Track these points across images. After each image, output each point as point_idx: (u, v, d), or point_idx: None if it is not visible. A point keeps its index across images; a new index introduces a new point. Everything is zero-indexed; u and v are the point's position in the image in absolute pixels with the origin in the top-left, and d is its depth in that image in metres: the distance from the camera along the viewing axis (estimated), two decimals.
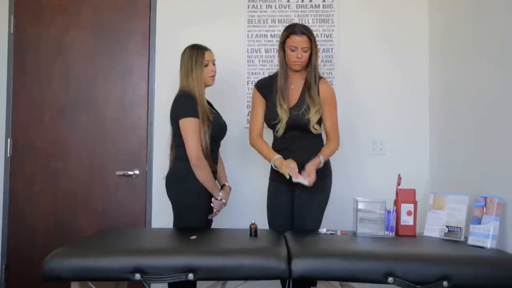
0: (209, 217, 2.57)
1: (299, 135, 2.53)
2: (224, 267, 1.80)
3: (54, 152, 3.15)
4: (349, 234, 2.33)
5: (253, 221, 2.24)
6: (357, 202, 2.30)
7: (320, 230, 2.34)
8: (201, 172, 2.45)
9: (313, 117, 2.49)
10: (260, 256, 1.84)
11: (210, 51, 2.60)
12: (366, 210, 2.28)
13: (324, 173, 2.51)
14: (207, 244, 2.02)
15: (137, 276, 1.79)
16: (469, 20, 2.53)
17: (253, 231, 2.20)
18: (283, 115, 2.51)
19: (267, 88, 2.61)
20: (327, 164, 2.56)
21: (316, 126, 2.51)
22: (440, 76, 2.93)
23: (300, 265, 1.81)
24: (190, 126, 2.43)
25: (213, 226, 2.68)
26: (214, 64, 2.59)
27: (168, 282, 1.82)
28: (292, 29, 2.51)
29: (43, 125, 3.16)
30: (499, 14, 2.21)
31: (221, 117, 2.63)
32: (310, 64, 2.53)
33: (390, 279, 1.77)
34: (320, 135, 2.60)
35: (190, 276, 1.80)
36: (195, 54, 2.54)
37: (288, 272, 1.80)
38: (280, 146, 2.58)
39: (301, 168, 2.42)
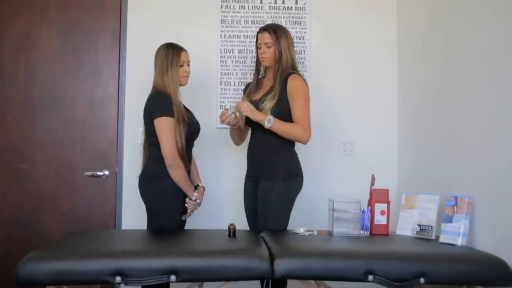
0: (183, 218, 2.55)
1: (261, 130, 2.51)
2: (207, 268, 1.79)
3: (18, 153, 3.03)
4: (325, 233, 2.37)
5: (231, 222, 2.24)
6: (333, 202, 2.34)
7: (297, 230, 2.36)
8: (176, 172, 2.42)
9: (266, 105, 2.50)
10: (243, 256, 1.84)
11: (186, 51, 2.59)
12: (341, 210, 2.32)
13: (286, 174, 2.51)
14: (187, 245, 2.00)
15: (118, 278, 1.75)
16: (435, 23, 2.62)
17: (232, 232, 2.20)
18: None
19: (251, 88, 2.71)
20: (290, 166, 2.54)
21: (267, 114, 2.48)
22: (408, 77, 3.02)
23: (282, 265, 1.82)
24: (165, 126, 2.41)
25: (187, 226, 2.65)
26: (188, 65, 2.58)
27: (150, 284, 1.79)
28: (260, 28, 2.63)
29: (6, 125, 3.04)
30: (467, 17, 2.30)
31: (194, 117, 2.62)
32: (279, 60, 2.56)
33: (370, 277, 1.81)
34: None
35: (172, 277, 1.77)
36: (171, 53, 2.52)
37: (271, 272, 1.81)
38: (249, 143, 2.65)
39: (259, 165, 2.51)
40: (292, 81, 2.52)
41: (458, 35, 2.39)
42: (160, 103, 2.45)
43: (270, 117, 2.44)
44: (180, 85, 2.56)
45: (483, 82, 2.15)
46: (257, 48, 2.63)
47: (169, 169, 2.42)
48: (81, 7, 3.09)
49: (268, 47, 2.54)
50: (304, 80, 2.58)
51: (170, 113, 2.42)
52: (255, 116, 2.45)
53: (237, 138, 2.74)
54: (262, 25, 2.68)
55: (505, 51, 1.99)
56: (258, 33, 2.62)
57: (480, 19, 2.19)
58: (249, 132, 2.71)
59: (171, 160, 2.40)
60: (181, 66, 2.52)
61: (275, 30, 2.57)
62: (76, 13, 3.09)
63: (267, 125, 2.43)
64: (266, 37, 2.55)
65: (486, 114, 2.12)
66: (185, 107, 2.62)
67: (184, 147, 2.45)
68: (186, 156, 2.47)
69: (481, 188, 2.14)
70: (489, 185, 2.08)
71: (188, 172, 2.54)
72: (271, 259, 1.85)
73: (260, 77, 2.71)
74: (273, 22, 3.10)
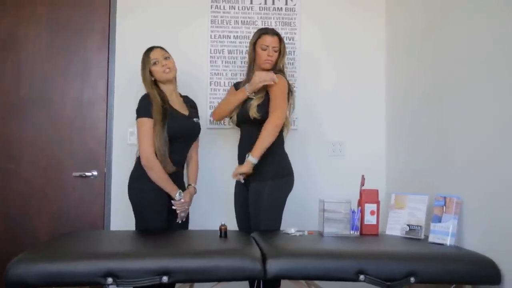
0: (178, 221, 2.54)
1: (249, 129, 2.57)
2: (199, 268, 1.79)
3: (5, 153, 2.99)
4: (316, 233, 2.38)
5: (222, 222, 2.24)
6: (323, 203, 2.35)
7: (288, 230, 2.37)
8: (151, 173, 2.45)
9: (254, 102, 2.54)
10: (235, 257, 1.84)
11: (160, 48, 2.61)
12: (332, 210, 2.34)
13: (276, 174, 2.52)
14: (179, 246, 2.00)
15: (109, 280, 1.74)
16: (424, 25, 2.66)
17: (223, 232, 2.20)
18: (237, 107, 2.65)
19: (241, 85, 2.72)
20: (280, 165, 2.56)
21: (254, 112, 2.52)
22: (397, 78, 3.05)
23: (274, 265, 1.83)
24: (141, 127, 2.47)
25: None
26: (166, 58, 2.58)
27: (141, 285, 1.78)
28: (265, 30, 2.67)
29: None
30: (456, 19, 2.34)
31: (188, 118, 2.61)
32: (275, 64, 2.65)
33: (362, 277, 1.83)
34: None
35: (165, 278, 1.77)
36: (143, 57, 2.61)
37: (263, 272, 1.82)
38: (239, 144, 2.67)
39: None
40: None
41: (446, 37, 2.42)
42: (140, 105, 2.52)
43: (249, 158, 2.46)
44: (165, 79, 2.57)
45: (472, 83, 2.18)
46: (254, 48, 2.64)
47: (145, 169, 2.45)
48: (70, 6, 3.07)
49: (275, 51, 2.62)
50: (285, 78, 2.61)
51: (147, 114, 2.46)
52: (242, 169, 2.48)
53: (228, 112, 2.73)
54: (264, 28, 2.69)
55: (494, 53, 2.03)
56: (263, 34, 2.62)
57: (468, 21, 2.23)
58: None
59: (145, 161, 2.45)
60: (155, 64, 2.55)
61: (281, 36, 2.67)
62: (65, 12, 3.06)
63: (254, 162, 2.46)
64: (276, 42, 2.62)
65: (474, 115, 2.15)
66: (192, 104, 2.70)
67: (163, 147, 2.45)
68: (170, 156, 2.47)
69: (469, 188, 2.17)
70: (477, 185, 2.12)
71: (173, 173, 2.51)
72: (263, 259, 1.86)
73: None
74: (264, 24, 3.12)
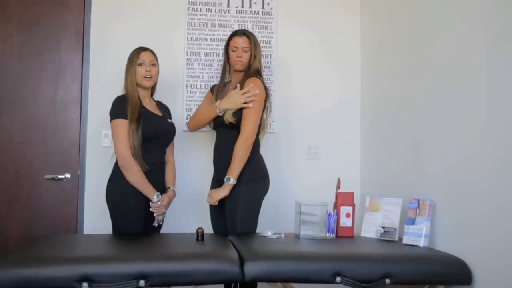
0: (154, 224, 2.52)
1: (225, 133, 2.57)
2: (177, 272, 1.78)
3: None
4: (292, 236, 2.40)
5: (199, 225, 2.23)
6: (300, 205, 2.37)
7: (265, 233, 2.37)
8: (129, 173, 2.42)
9: (228, 110, 2.53)
10: (213, 260, 1.84)
11: (151, 52, 2.59)
12: (308, 213, 2.36)
13: (251, 177, 2.52)
14: (156, 250, 1.98)
15: (85, 285, 1.72)
16: (399, 29, 2.71)
17: (200, 235, 2.19)
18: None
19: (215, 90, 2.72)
20: (255, 169, 2.55)
21: (229, 117, 2.51)
22: (371, 82, 3.10)
23: (252, 268, 1.84)
24: (116, 128, 2.46)
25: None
26: (153, 65, 2.56)
27: None
28: (234, 32, 2.67)
29: None
30: (429, 25, 2.39)
31: (162, 118, 2.60)
32: (249, 65, 2.63)
33: (338, 279, 1.86)
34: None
35: (141, 282, 1.75)
36: (132, 55, 2.57)
37: (241, 275, 1.82)
38: (214, 147, 2.67)
39: (225, 169, 2.49)
40: (248, 84, 2.54)
41: (419, 43, 2.48)
42: (114, 105, 2.51)
43: (227, 180, 2.45)
44: (142, 86, 2.56)
45: (443, 88, 2.24)
46: (227, 51, 2.65)
47: (122, 170, 2.44)
48: (42, 5, 3.00)
49: (245, 52, 2.60)
50: (263, 83, 2.60)
51: (122, 115, 2.45)
52: (222, 193, 2.48)
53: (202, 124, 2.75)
54: (235, 30, 2.68)
55: (467, 58, 2.09)
56: (233, 36, 2.63)
57: (441, 28, 2.28)
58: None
59: (122, 162, 2.43)
60: (140, 65, 2.53)
61: (253, 36, 2.64)
62: (37, 11, 3.00)
63: (232, 183, 2.46)
64: (245, 42, 2.60)
65: (447, 120, 2.21)
66: (165, 108, 2.69)
67: (138, 148, 2.43)
68: (145, 157, 2.46)
69: (441, 191, 2.23)
70: (449, 188, 2.17)
71: (148, 172, 2.48)
72: (241, 262, 1.86)
73: (226, 81, 2.74)
74: (240, 26, 3.13)
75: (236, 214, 2.48)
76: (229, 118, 2.51)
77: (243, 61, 2.61)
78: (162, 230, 2.64)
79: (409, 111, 2.57)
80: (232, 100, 2.51)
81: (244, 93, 2.49)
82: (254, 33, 2.71)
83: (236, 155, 2.47)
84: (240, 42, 2.59)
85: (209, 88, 2.86)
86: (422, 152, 2.41)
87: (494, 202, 1.88)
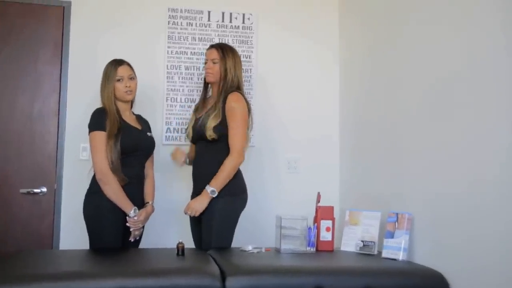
0: (130, 239, 2.48)
1: (205, 146, 2.57)
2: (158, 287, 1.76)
3: None
4: (273, 250, 2.40)
5: (180, 240, 2.21)
6: (280, 219, 2.37)
7: (245, 247, 2.37)
8: (106, 187, 2.40)
9: (210, 123, 2.52)
10: (194, 275, 1.82)
11: (128, 65, 2.58)
12: (289, 227, 2.36)
13: (229, 191, 2.51)
14: (136, 265, 1.95)
15: None
16: (377, 42, 2.77)
17: (180, 250, 2.17)
18: (190, 123, 2.68)
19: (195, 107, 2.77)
20: (234, 184, 2.53)
21: (211, 133, 2.50)
22: (350, 97, 3.15)
23: (234, 283, 1.82)
24: (94, 140, 2.44)
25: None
26: (131, 79, 2.55)
27: None
28: (209, 45, 2.72)
29: None
30: (406, 39, 2.45)
31: (142, 131, 2.59)
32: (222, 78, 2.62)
33: None
34: (225, 148, 2.55)
35: None
36: (109, 69, 2.55)
37: None
38: (193, 161, 2.66)
39: (203, 182, 2.49)
40: (230, 99, 2.54)
41: (397, 57, 2.53)
42: (92, 118, 2.50)
43: (209, 189, 2.45)
44: (123, 100, 2.55)
45: (421, 102, 2.29)
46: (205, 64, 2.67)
47: (99, 184, 2.41)
48: (21, 17, 2.96)
49: (214, 63, 2.61)
50: (245, 99, 2.61)
51: (100, 127, 2.44)
52: (204, 204, 2.48)
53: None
54: (211, 43, 2.73)
55: (444, 71, 2.14)
56: (206, 50, 2.68)
57: (418, 41, 2.34)
58: None
59: (100, 175, 2.41)
60: (119, 80, 2.51)
61: (223, 48, 2.64)
62: (16, 23, 2.95)
63: (212, 195, 2.46)
64: (213, 54, 2.62)
65: (424, 134, 2.26)
66: (144, 122, 2.68)
67: (117, 162, 2.42)
68: (123, 170, 2.43)
69: (419, 205, 2.26)
70: (426, 202, 2.21)
71: (135, 188, 2.47)
72: (223, 277, 1.85)
73: (207, 96, 2.75)
74: (220, 40, 3.14)
75: (211, 228, 2.47)
76: (211, 134, 2.51)
77: (212, 73, 2.61)
78: (141, 245, 2.61)
79: (387, 126, 2.61)
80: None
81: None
82: (234, 47, 2.71)
83: (225, 169, 2.47)
84: (209, 54, 2.64)
85: (191, 104, 2.88)
86: (401, 166, 2.45)
87: (471, 217, 1.92)
